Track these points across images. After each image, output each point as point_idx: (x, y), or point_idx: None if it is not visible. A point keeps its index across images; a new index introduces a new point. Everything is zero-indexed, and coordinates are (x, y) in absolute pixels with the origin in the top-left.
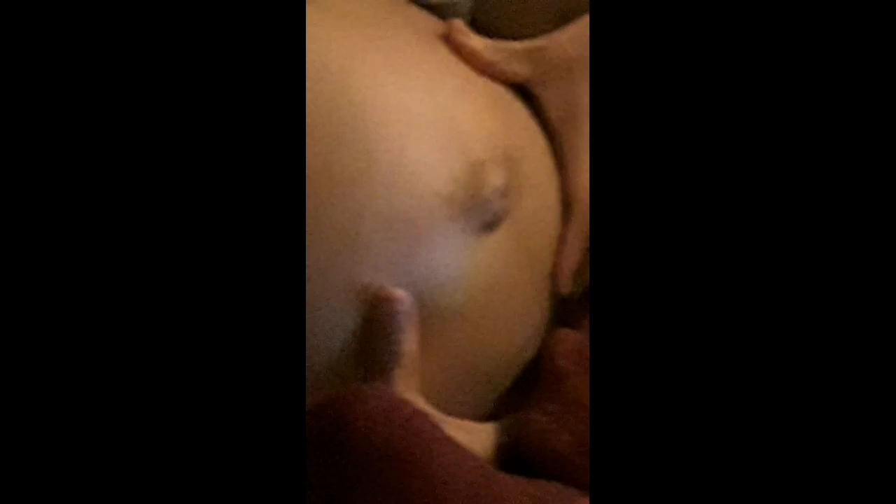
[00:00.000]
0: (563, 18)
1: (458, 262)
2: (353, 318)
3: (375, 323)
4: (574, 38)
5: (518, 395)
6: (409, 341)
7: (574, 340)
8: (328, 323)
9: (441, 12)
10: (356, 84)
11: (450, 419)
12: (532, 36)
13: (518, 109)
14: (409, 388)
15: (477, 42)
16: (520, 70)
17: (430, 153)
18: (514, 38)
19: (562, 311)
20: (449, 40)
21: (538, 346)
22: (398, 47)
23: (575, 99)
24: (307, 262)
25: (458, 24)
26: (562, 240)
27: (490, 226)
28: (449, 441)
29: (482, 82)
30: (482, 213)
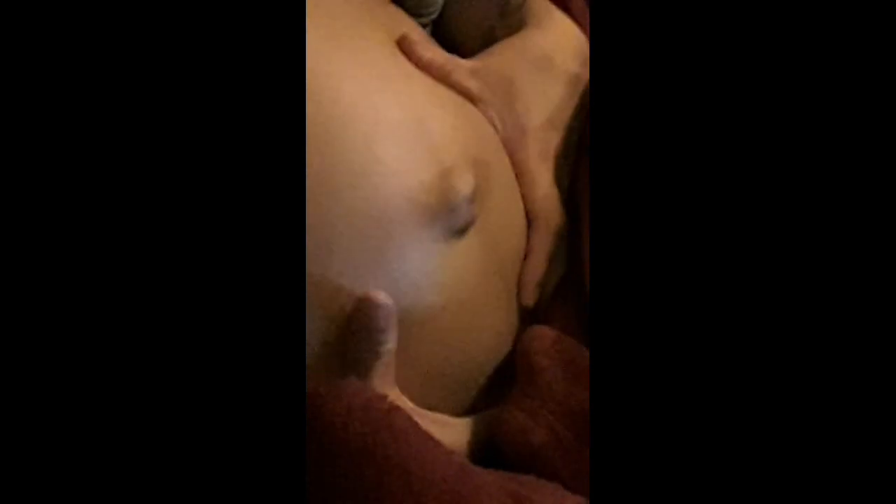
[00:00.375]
0: (503, 16)
1: (427, 267)
2: (323, 317)
3: (356, 322)
4: (509, 57)
5: (494, 390)
6: (391, 340)
7: (549, 337)
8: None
9: (417, 9)
10: (324, 83)
11: (426, 413)
12: (480, 31)
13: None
14: (388, 384)
15: (430, 54)
16: (469, 86)
17: (400, 156)
18: (468, 33)
19: (533, 311)
20: (403, 50)
21: (510, 345)
22: (368, 48)
23: (515, 118)
24: None
25: (413, 35)
26: (527, 251)
27: (459, 231)
28: (426, 436)
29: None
30: (452, 219)
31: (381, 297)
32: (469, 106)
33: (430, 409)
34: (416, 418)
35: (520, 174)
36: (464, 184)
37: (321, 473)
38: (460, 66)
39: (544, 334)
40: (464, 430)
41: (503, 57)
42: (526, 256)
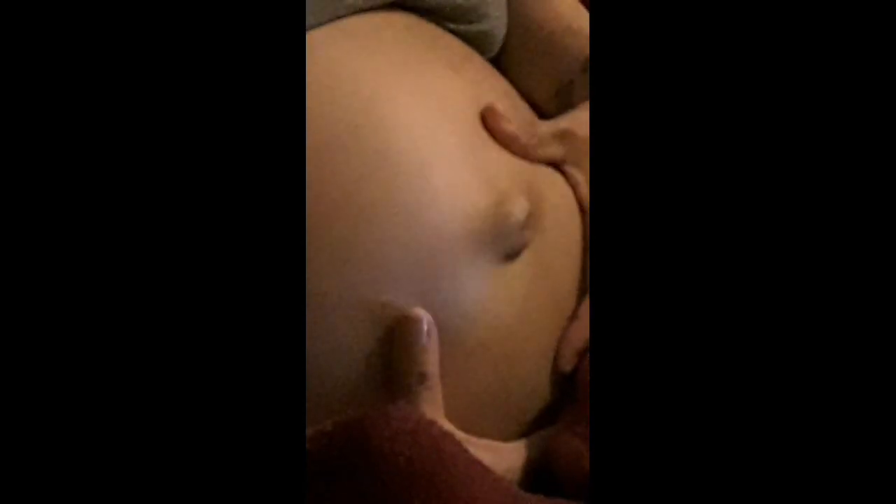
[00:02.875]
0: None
1: (480, 291)
2: (376, 340)
3: (398, 343)
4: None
5: (546, 414)
6: (433, 362)
7: None
8: (352, 345)
9: (474, 41)
10: (382, 112)
11: (476, 440)
12: (558, 83)
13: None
14: (435, 408)
15: (512, 127)
16: (553, 152)
17: (455, 182)
18: (543, 85)
19: None
20: (485, 123)
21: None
22: (424, 75)
23: None
24: (332, 289)
25: (494, 108)
26: (573, 316)
27: (512, 255)
28: (475, 462)
29: (507, 110)
30: (505, 243)
31: (421, 313)
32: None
33: (480, 434)
34: (466, 444)
35: None
36: (518, 209)
37: (369, 499)
38: (545, 137)
39: None
40: (515, 456)
41: (582, 122)
42: (572, 320)
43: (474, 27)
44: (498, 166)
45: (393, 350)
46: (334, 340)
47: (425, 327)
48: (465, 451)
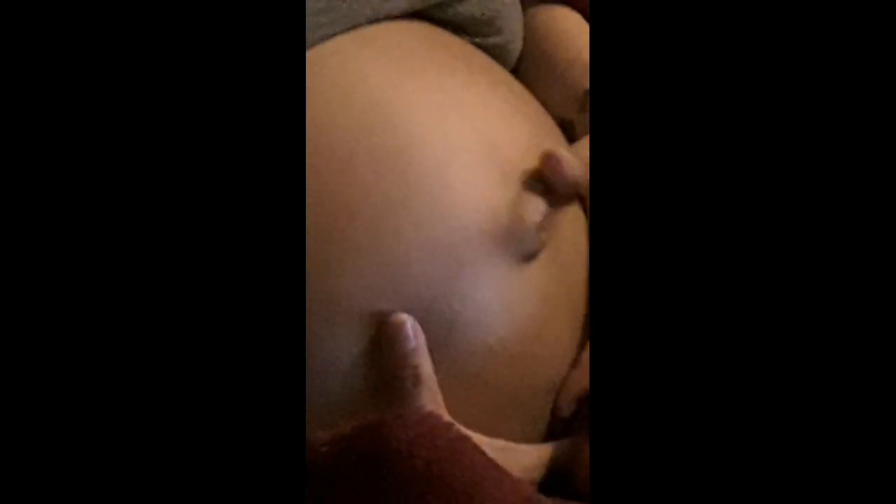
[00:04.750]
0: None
1: (497, 292)
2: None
3: (386, 348)
4: None
5: (570, 417)
6: (425, 362)
7: None
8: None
9: (490, 53)
10: (398, 111)
11: (493, 441)
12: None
13: (561, 144)
14: (438, 408)
15: (577, 169)
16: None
17: (472, 182)
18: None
19: None
20: (548, 166)
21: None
22: (440, 77)
23: None
24: (346, 291)
25: (560, 150)
26: (575, 364)
27: (530, 256)
28: (492, 464)
29: (524, 113)
30: (522, 243)
31: (402, 316)
32: (552, 132)
33: (500, 435)
34: (483, 446)
35: None
36: (535, 210)
37: (387, 501)
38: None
39: None
40: (535, 458)
41: None
42: (574, 367)
43: (490, 40)
44: (516, 165)
45: (383, 357)
46: (350, 347)
47: (410, 330)
48: (482, 453)
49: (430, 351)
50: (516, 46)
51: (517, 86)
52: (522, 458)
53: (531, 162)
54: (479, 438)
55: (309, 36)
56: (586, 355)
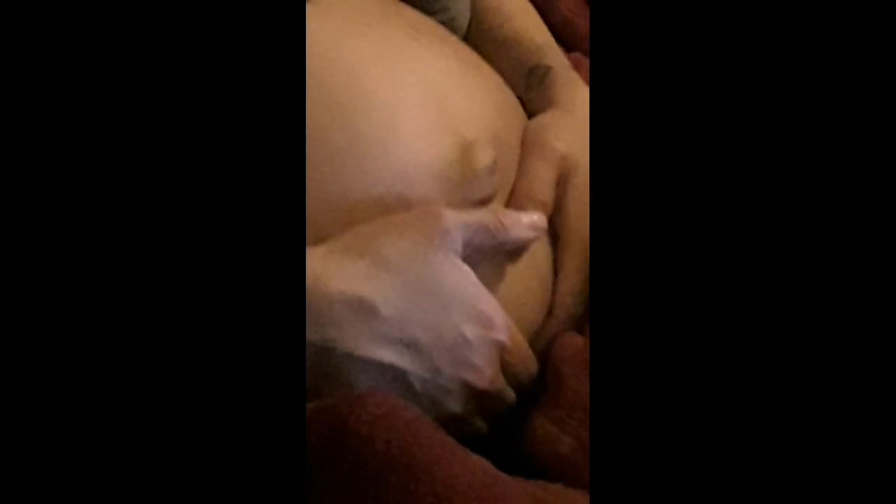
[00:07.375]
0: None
1: None
2: None
3: None
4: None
5: (522, 398)
6: None
7: (577, 345)
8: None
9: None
10: (347, 58)
11: None
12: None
13: (511, 100)
14: None
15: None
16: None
17: (421, 128)
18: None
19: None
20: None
21: (541, 345)
22: (389, 31)
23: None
24: None
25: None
26: (558, 265)
27: (482, 201)
28: (451, 443)
29: (475, 69)
30: (472, 191)
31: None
32: (501, 89)
33: None
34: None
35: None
36: (483, 155)
37: (348, 484)
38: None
39: (572, 342)
40: None
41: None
42: (558, 271)
43: (437, 17)
44: (464, 117)
45: None
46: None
47: None
48: (442, 432)
49: None
50: (461, 24)
51: (467, 49)
52: None
53: (480, 112)
54: None
55: None
56: (559, 300)
